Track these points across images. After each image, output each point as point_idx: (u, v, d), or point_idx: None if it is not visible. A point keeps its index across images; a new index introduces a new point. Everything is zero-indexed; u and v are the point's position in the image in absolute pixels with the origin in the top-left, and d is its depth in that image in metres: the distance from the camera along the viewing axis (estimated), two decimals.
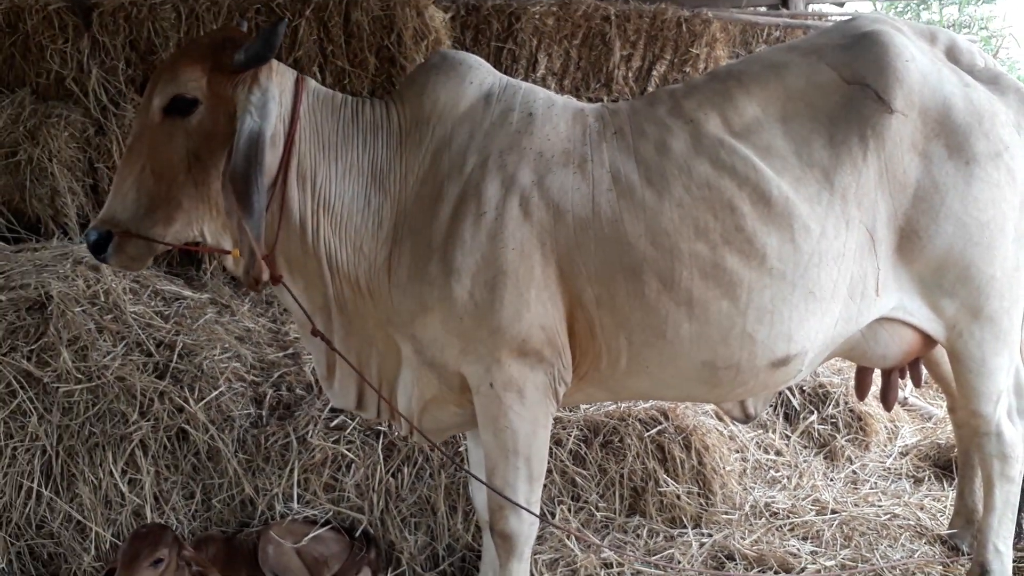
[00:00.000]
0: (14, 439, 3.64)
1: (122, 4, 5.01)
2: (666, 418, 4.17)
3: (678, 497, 3.99)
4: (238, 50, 2.67)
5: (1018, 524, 3.43)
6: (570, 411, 4.17)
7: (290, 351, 4.33)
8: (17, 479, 3.60)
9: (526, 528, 2.92)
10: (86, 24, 5.05)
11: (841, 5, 8.83)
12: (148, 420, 3.75)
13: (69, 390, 3.76)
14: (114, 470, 3.64)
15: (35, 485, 3.59)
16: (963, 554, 3.59)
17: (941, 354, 3.37)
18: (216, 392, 3.89)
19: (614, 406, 4.24)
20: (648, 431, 4.10)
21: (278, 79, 2.77)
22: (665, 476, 4.03)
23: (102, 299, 4.19)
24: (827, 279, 2.83)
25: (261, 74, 2.72)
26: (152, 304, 4.38)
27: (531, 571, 3.12)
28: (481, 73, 2.96)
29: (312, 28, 5.13)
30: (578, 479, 3.98)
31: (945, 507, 4.07)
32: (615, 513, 3.96)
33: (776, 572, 3.43)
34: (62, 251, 4.52)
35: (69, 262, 4.34)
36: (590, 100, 6.07)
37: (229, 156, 2.64)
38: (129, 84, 5.09)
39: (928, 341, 3.15)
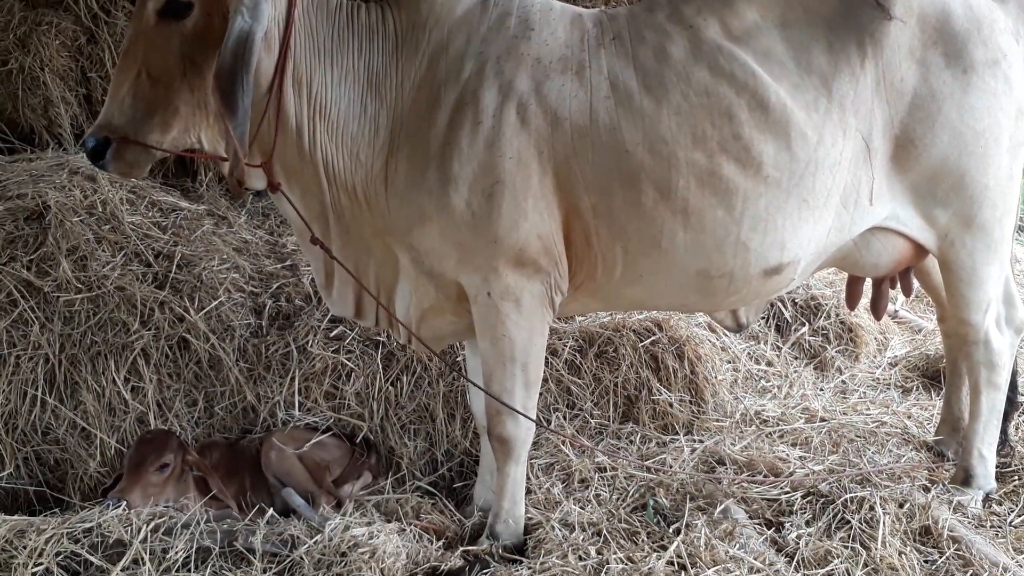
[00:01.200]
0: (16, 347, 3.67)
1: None
2: (660, 329, 4.21)
3: (670, 405, 4.05)
4: None
5: (1002, 431, 3.48)
6: (566, 321, 4.20)
7: (288, 263, 4.33)
8: (21, 387, 3.63)
9: (523, 433, 2.97)
10: None
11: None
12: (149, 329, 3.78)
13: (70, 299, 3.77)
14: (117, 378, 3.68)
15: (39, 393, 3.63)
16: (948, 459, 3.65)
17: (932, 264, 3.39)
18: (216, 302, 3.91)
19: (609, 317, 4.27)
20: (642, 341, 4.15)
21: None
22: (658, 385, 4.09)
23: (100, 209, 4.17)
24: (821, 188, 2.84)
25: None
26: (149, 215, 4.36)
27: (527, 475, 3.18)
28: None
29: None
30: (573, 387, 4.04)
31: (932, 415, 4.12)
32: (609, 420, 4.02)
33: (765, 476, 3.48)
34: (57, 161, 4.47)
35: (65, 172, 4.31)
36: (589, 5, 5.95)
37: (219, 56, 2.59)
38: None
39: (920, 250, 3.17)
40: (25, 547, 2.65)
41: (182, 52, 2.64)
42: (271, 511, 3.03)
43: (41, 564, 2.61)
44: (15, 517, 2.90)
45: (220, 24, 2.61)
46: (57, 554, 2.65)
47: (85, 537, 2.73)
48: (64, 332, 3.73)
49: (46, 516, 2.94)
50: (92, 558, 2.66)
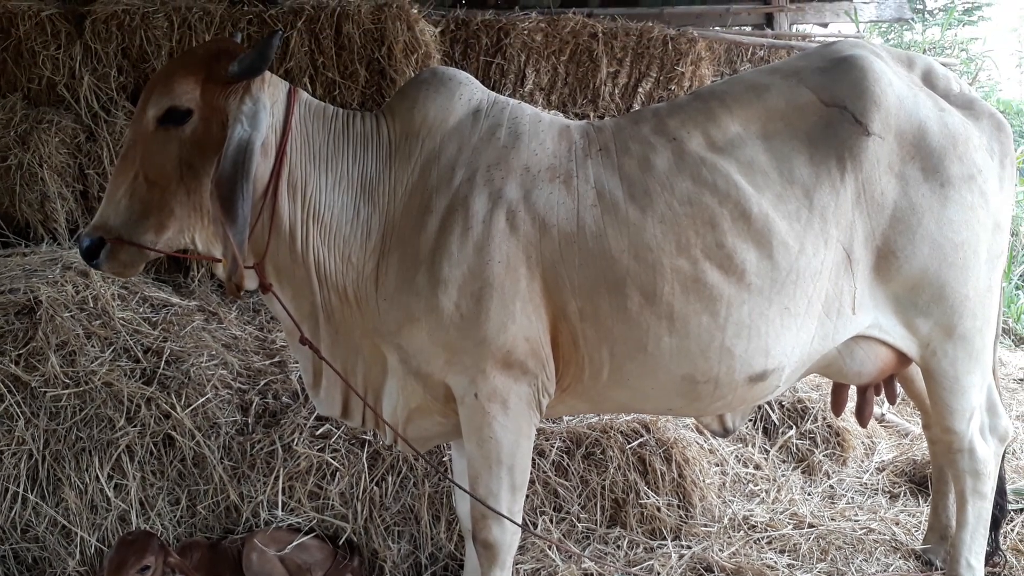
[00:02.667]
0: (1, 443, 3.65)
1: (115, 12, 5.00)
2: (647, 431, 4.21)
3: (658, 509, 4.02)
4: (232, 61, 2.69)
5: (991, 539, 3.46)
6: (553, 422, 4.19)
7: (277, 359, 4.34)
8: (3, 483, 3.60)
9: (508, 537, 2.94)
10: (79, 31, 5.06)
11: (825, 26, 8.92)
12: (135, 426, 3.77)
13: (56, 395, 3.77)
14: (100, 475, 3.65)
15: (21, 489, 3.60)
16: (936, 569, 3.62)
17: (916, 372, 3.40)
18: (203, 399, 3.90)
19: (596, 418, 4.26)
20: (630, 443, 4.14)
21: (270, 90, 2.80)
22: (646, 488, 4.06)
23: (91, 304, 4.19)
24: (803, 296, 2.88)
25: (254, 85, 2.74)
26: (140, 310, 4.39)
27: None
28: (470, 89, 2.99)
29: (304, 40, 5.16)
30: (560, 490, 4.01)
31: (920, 522, 4.09)
32: (596, 524, 3.98)
33: None
34: (51, 256, 4.52)
35: (58, 267, 4.35)
36: (577, 116, 6.11)
37: (218, 163, 2.66)
38: (121, 91, 5.10)
39: (903, 359, 3.19)
40: None
41: (180, 157, 2.71)
42: None
43: None
44: None
45: (218, 131, 2.69)
46: None
47: None
48: (49, 428, 3.71)
49: None
50: None
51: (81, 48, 5.05)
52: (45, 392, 3.77)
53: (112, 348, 4.05)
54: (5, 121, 4.86)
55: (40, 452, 3.66)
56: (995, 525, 3.50)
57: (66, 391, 3.78)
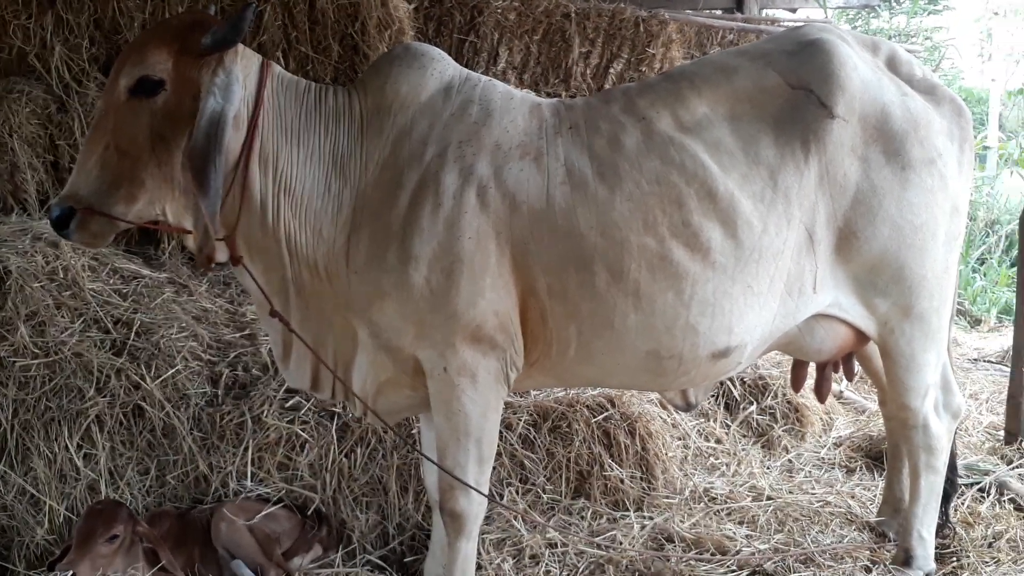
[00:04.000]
0: None
1: None
2: (612, 405, 4.23)
3: (622, 481, 4.05)
4: (205, 34, 2.65)
5: (942, 513, 3.52)
6: (520, 396, 4.21)
7: (247, 332, 4.30)
8: None
9: (475, 508, 2.96)
10: (50, 1, 4.96)
11: (793, 11, 8.94)
12: (104, 396, 3.72)
13: (26, 364, 3.71)
14: (69, 445, 3.61)
15: None
16: (890, 540, 3.67)
17: (873, 350, 3.45)
18: (173, 370, 3.86)
19: (563, 392, 4.28)
20: (595, 417, 4.16)
21: (243, 63, 2.77)
22: (610, 461, 4.09)
23: (61, 275, 4.13)
24: (765, 274, 2.90)
25: (227, 57, 2.70)
26: (111, 282, 4.32)
27: (478, 550, 3.16)
28: (442, 65, 2.97)
29: (277, 14, 5.09)
30: (526, 462, 4.03)
31: (875, 495, 4.15)
32: (561, 495, 4.01)
33: (712, 554, 3.49)
34: (21, 227, 4.43)
35: (28, 238, 4.27)
36: (548, 95, 6.10)
37: (191, 135, 2.63)
38: (92, 63, 5.00)
39: (861, 337, 3.23)
40: None
41: (151, 128, 2.67)
42: None
43: None
44: None
45: (190, 103, 2.66)
46: None
47: None
48: (18, 397, 3.66)
49: None
50: None
51: (53, 18, 4.94)
52: (14, 362, 3.71)
53: (82, 319, 3.99)
54: None
55: (8, 422, 3.61)
56: (946, 499, 3.55)
57: (35, 361, 3.73)
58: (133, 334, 3.98)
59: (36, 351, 3.76)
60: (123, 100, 2.68)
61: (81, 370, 3.76)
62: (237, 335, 4.26)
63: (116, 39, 4.99)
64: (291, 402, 3.88)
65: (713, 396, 4.89)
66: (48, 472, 3.57)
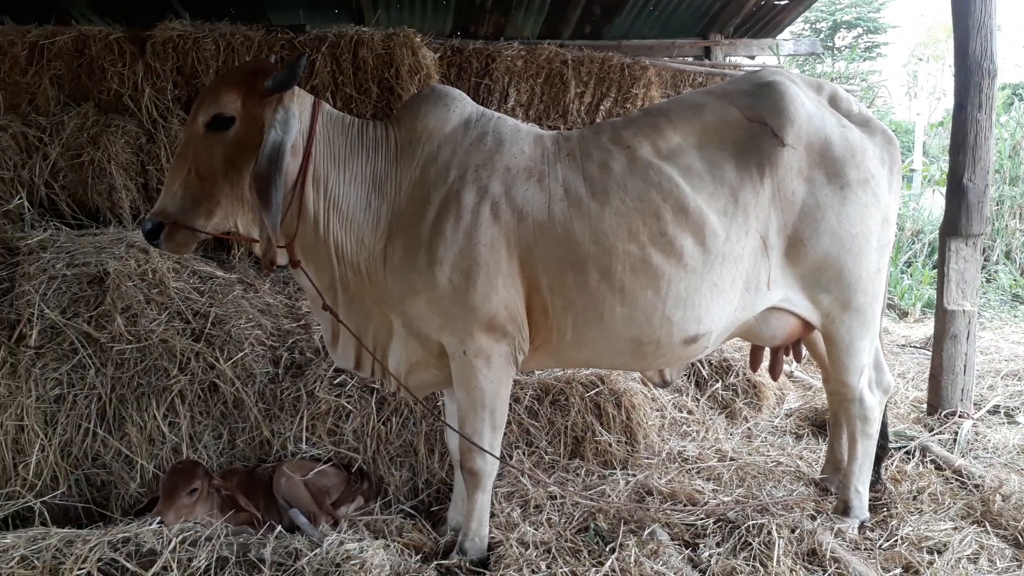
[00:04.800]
0: (75, 388, 3.63)
1: (171, 36, 4.94)
2: (602, 382, 4.23)
3: (610, 445, 4.05)
4: (267, 78, 2.68)
5: (875, 471, 3.51)
6: (526, 375, 4.21)
7: (302, 322, 4.32)
8: (77, 421, 3.59)
9: (489, 467, 2.97)
10: (141, 52, 4.98)
11: (752, 58, 8.90)
12: (185, 375, 3.75)
13: (121, 349, 3.75)
14: (157, 415, 3.64)
15: (91, 426, 3.58)
16: (831, 494, 3.66)
17: (818, 337, 3.42)
18: (241, 353, 3.89)
19: (561, 372, 4.29)
20: (588, 392, 4.16)
21: (299, 102, 2.79)
22: (600, 428, 4.09)
23: (150, 276, 4.16)
24: (728, 275, 2.89)
25: (286, 97, 2.73)
26: (191, 281, 4.35)
27: (492, 501, 3.17)
28: (463, 103, 2.98)
29: (326, 62, 5.11)
30: (531, 429, 4.03)
31: (819, 457, 4.14)
32: (560, 456, 4.01)
33: (685, 505, 3.48)
34: (117, 236, 4.46)
35: (123, 245, 4.29)
36: (550, 127, 6.10)
37: (256, 162, 2.65)
38: (176, 102, 5.03)
39: (807, 326, 3.22)
40: (72, 554, 2.60)
41: (225, 156, 2.69)
42: (279, 528, 2.99)
43: (84, 568, 2.56)
44: (65, 529, 2.84)
45: (256, 135, 2.67)
46: (99, 560, 2.59)
47: (123, 547, 2.68)
48: (115, 376, 3.69)
49: (92, 529, 2.88)
50: (128, 564, 2.61)
51: (143, 66, 4.98)
52: (112, 347, 3.74)
53: (167, 311, 4.02)
54: (80, 125, 4.79)
55: (107, 396, 3.64)
56: (878, 460, 3.54)
57: (129, 346, 3.76)
58: (209, 324, 4.01)
59: (130, 338, 3.80)
60: (201, 134, 2.70)
61: (166, 353, 3.79)
62: (294, 325, 4.28)
63: (195, 82, 5.02)
64: (338, 380, 3.90)
65: (685, 375, 4.88)
66: (139, 437, 3.60)
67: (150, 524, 2.84)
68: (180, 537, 2.73)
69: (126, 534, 2.73)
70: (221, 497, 3.24)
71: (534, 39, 6.35)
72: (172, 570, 2.59)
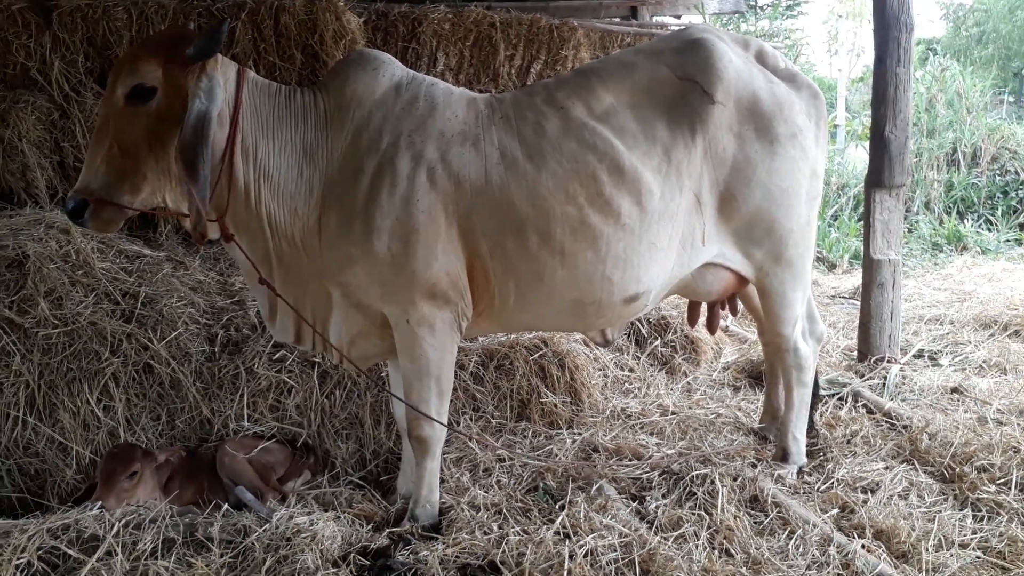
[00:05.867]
0: (0, 375, 3.50)
1: (79, 6, 4.72)
2: (546, 345, 4.27)
3: (555, 405, 4.10)
4: (189, 46, 2.58)
5: (810, 419, 3.61)
6: (470, 342, 4.22)
7: (236, 298, 4.24)
8: (4, 409, 3.47)
9: (437, 433, 2.98)
10: (47, 22, 4.75)
11: (678, 18, 8.96)
12: (118, 357, 3.65)
13: (47, 334, 3.62)
14: (90, 399, 3.54)
15: (20, 414, 3.47)
16: (769, 442, 3.77)
17: (752, 291, 3.50)
18: (175, 333, 3.80)
19: (505, 337, 4.31)
20: (532, 355, 4.20)
21: (222, 70, 2.70)
22: (545, 390, 4.14)
23: (73, 257, 4.02)
24: (665, 233, 2.93)
25: (208, 65, 2.64)
26: (117, 261, 4.22)
27: (441, 467, 3.19)
28: (392, 67, 2.93)
29: (247, 29, 4.96)
30: (477, 394, 4.06)
31: (756, 407, 4.26)
32: (507, 420, 4.05)
33: (630, 460, 3.56)
34: (35, 217, 4.29)
35: (42, 226, 4.13)
36: (481, 91, 6.05)
37: (181, 132, 2.56)
38: (88, 74, 4.83)
39: (742, 280, 3.28)
40: (9, 545, 2.53)
41: (147, 128, 2.60)
42: (226, 506, 2.96)
43: (23, 558, 2.50)
44: (0, 520, 2.77)
45: (179, 105, 2.59)
46: (39, 548, 2.54)
47: (64, 534, 2.62)
48: (43, 362, 3.57)
49: (28, 518, 2.80)
50: (70, 551, 2.56)
51: (50, 37, 4.75)
52: (37, 332, 3.61)
53: (94, 293, 3.89)
54: None
55: (36, 382, 3.52)
56: (813, 407, 3.64)
57: (55, 330, 3.64)
58: (139, 304, 3.91)
59: (56, 322, 3.67)
60: (121, 106, 2.60)
61: (96, 336, 3.68)
62: (228, 302, 4.20)
63: (107, 54, 4.83)
64: (278, 355, 3.85)
65: (626, 334, 4.95)
66: (73, 423, 3.51)
67: (91, 510, 2.77)
68: (123, 521, 2.69)
69: (66, 521, 2.67)
70: (172, 467, 3.19)
71: (461, 1, 6.25)
72: (117, 554, 2.55)
